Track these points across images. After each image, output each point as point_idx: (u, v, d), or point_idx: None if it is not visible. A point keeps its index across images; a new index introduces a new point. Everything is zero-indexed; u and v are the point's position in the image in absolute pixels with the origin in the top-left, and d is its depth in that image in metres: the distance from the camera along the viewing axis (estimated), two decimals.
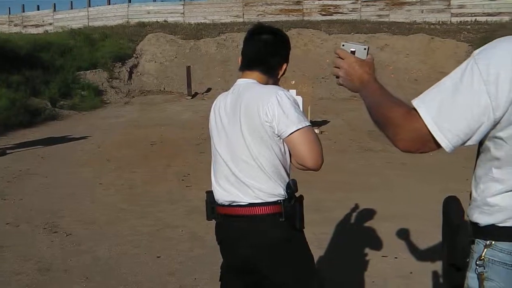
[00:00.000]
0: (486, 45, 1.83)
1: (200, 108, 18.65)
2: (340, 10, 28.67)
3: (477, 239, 1.94)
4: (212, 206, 3.10)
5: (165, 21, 29.06)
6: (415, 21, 27.11)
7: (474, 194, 1.97)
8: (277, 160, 2.88)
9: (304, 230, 3.00)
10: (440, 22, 26.73)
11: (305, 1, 29.15)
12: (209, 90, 22.39)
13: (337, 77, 2.21)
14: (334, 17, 28.18)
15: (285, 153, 2.92)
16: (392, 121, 1.92)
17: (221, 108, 3.08)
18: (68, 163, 11.32)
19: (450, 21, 26.92)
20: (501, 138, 1.81)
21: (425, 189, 8.59)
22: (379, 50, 23.52)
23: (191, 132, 14.45)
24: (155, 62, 24.70)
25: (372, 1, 28.69)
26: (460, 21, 26.69)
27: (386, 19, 27.67)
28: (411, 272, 5.56)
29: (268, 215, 2.87)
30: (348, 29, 25.08)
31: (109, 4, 32.62)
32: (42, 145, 13.34)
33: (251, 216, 2.89)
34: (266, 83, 3.00)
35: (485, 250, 1.90)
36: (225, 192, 2.99)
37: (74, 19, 31.31)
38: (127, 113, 18.44)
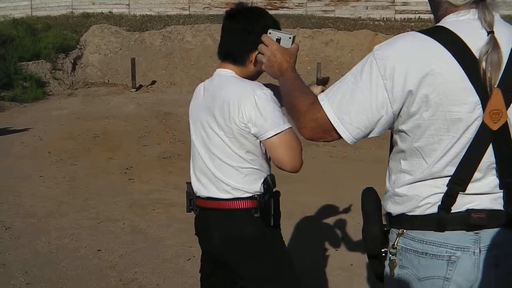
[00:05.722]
0: (386, 41, 1.93)
1: (144, 101, 18.51)
2: (286, 5, 28.73)
3: (392, 228, 2.05)
4: (191, 198, 3.11)
5: (110, 12, 28.54)
6: (360, 17, 27.37)
7: (387, 185, 2.08)
8: (253, 156, 2.87)
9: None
10: (385, 19, 27.07)
11: None
12: (153, 82, 22.22)
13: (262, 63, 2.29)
14: (280, 11, 28.18)
15: (262, 149, 2.89)
16: (298, 109, 2.00)
17: (200, 98, 3.06)
18: (8, 155, 11.09)
19: (394, 18, 27.31)
20: (403, 131, 1.91)
21: (367, 183, 8.69)
22: (324, 45, 23.71)
23: (134, 125, 14.33)
24: (99, 53, 24.35)
25: None
26: (404, 18, 27.10)
27: (332, 15, 27.83)
28: (351, 264, 5.68)
29: (243, 210, 2.88)
30: (293, 23, 25.13)
31: None
32: None
33: (227, 210, 2.90)
34: (241, 74, 2.95)
35: (398, 238, 1.99)
36: (202, 185, 3.00)
37: (16, 8, 30.46)
38: (70, 105, 18.12)
